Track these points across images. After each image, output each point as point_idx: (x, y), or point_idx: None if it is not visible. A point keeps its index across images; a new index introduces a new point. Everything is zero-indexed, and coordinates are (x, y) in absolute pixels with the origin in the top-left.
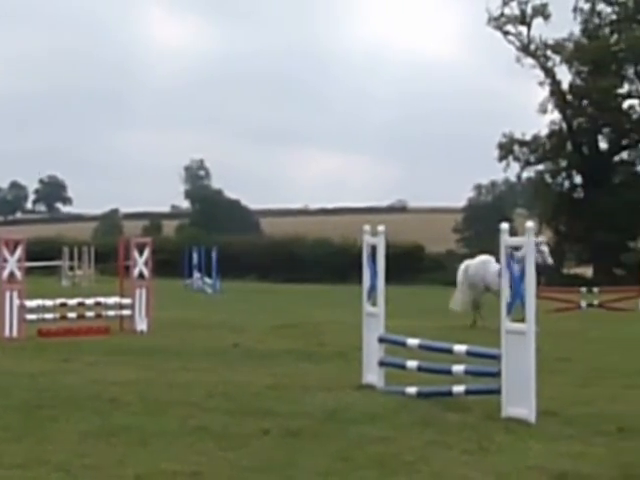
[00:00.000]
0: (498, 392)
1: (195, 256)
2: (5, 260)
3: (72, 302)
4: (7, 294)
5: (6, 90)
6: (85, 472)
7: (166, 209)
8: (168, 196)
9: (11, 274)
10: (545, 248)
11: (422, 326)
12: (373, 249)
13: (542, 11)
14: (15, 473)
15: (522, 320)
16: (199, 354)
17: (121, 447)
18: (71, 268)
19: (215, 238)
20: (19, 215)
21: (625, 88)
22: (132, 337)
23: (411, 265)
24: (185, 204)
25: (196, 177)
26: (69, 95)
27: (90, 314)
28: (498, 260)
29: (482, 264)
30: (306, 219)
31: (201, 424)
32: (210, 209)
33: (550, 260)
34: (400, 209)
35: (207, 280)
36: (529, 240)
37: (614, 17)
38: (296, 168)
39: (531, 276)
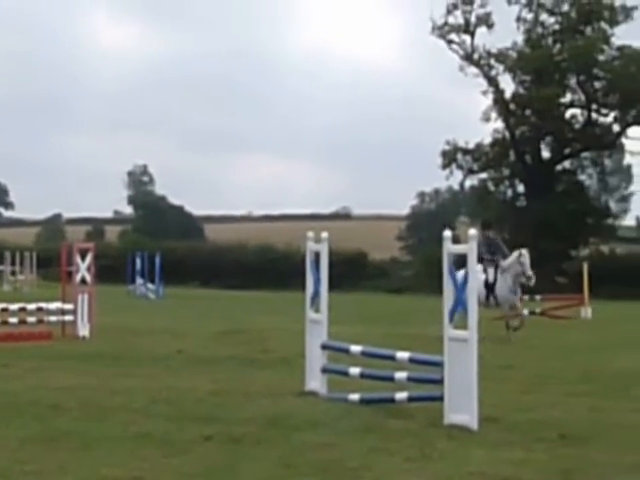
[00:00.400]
0: (441, 399)
1: (138, 262)
2: None
3: (13, 307)
4: None
5: None
6: (25, 478)
7: (109, 214)
8: (111, 201)
9: None
10: (526, 260)
11: (365, 333)
12: (316, 256)
13: (486, 20)
14: None
15: (465, 327)
16: (142, 360)
17: (62, 453)
18: (13, 273)
19: (158, 244)
20: None
21: (567, 97)
22: (74, 343)
23: (355, 272)
24: (128, 210)
25: (139, 183)
26: (11, 98)
27: (32, 319)
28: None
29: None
30: (250, 225)
31: (143, 430)
32: (153, 215)
33: (530, 272)
34: (344, 216)
35: (150, 286)
36: (472, 247)
37: (557, 27)
38: (240, 173)
39: (473, 283)
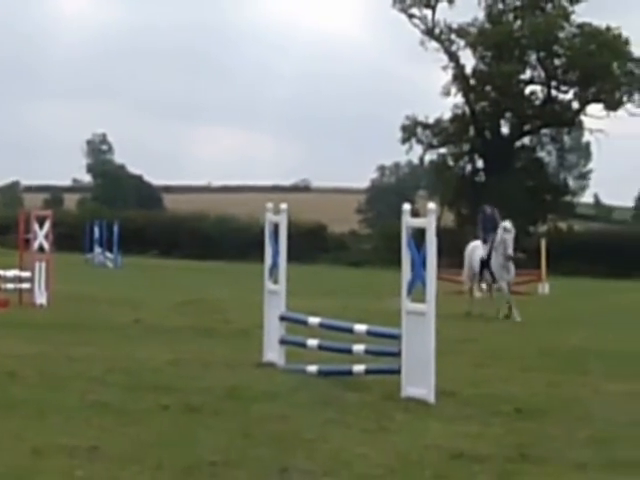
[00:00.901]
0: (398, 372)
1: (96, 230)
2: None
3: None
4: None
5: None
6: None
7: (67, 183)
8: (70, 170)
9: None
10: (508, 236)
11: (324, 306)
12: (275, 227)
13: None
14: None
15: (422, 300)
16: (100, 329)
17: (18, 421)
18: None
19: (117, 213)
20: None
21: (527, 74)
22: (31, 311)
23: (314, 244)
24: (87, 178)
25: (99, 151)
26: None
27: None
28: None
29: (471, 250)
30: (209, 196)
31: (100, 399)
32: (112, 184)
33: (509, 251)
34: (303, 188)
35: (108, 255)
36: (430, 221)
37: (518, 3)
38: (200, 144)
39: (432, 257)
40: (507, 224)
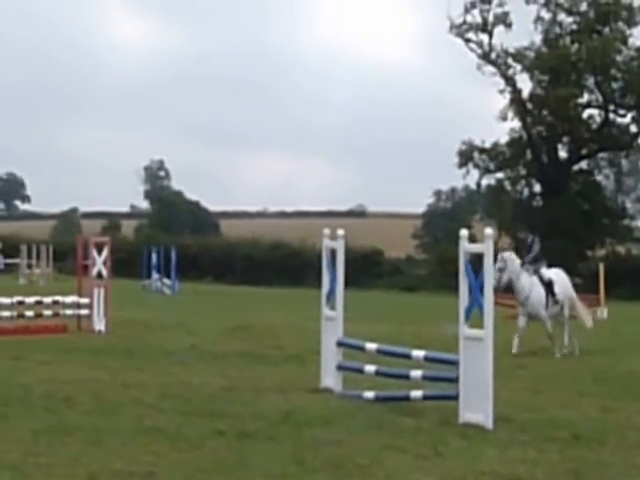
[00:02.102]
0: (455, 398)
1: (154, 256)
2: None
3: (30, 300)
4: None
5: None
6: (38, 471)
7: (125, 209)
8: (127, 196)
9: None
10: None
11: (380, 331)
12: (332, 253)
13: (504, 19)
14: None
15: (480, 326)
16: (155, 355)
17: (75, 446)
18: (29, 266)
19: (173, 239)
20: None
21: (585, 98)
22: (89, 337)
23: (370, 270)
24: (144, 204)
25: (156, 177)
26: (29, 93)
27: (48, 313)
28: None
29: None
30: (264, 221)
31: (155, 425)
32: (169, 210)
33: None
34: (359, 214)
35: (166, 281)
36: (488, 247)
37: (575, 27)
38: (256, 170)
39: (489, 283)
40: (504, 254)
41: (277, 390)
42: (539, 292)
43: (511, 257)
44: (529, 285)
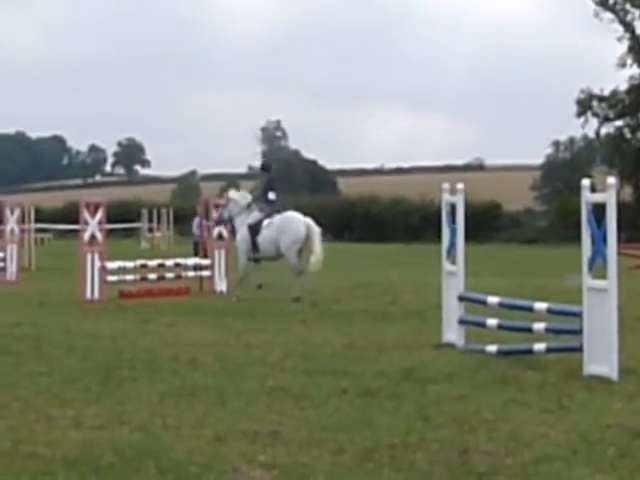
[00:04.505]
0: (579, 350)
1: None
2: (86, 223)
3: (152, 263)
4: (88, 256)
5: (84, 54)
6: (166, 432)
7: (243, 170)
8: (245, 157)
9: (92, 236)
10: None
11: (500, 284)
12: (452, 207)
13: None
14: (96, 434)
15: (604, 277)
16: (276, 314)
17: (200, 407)
18: (150, 230)
19: (291, 198)
20: (98, 178)
21: None
22: (211, 298)
23: (489, 223)
24: None
25: (273, 138)
26: (148, 58)
27: (170, 275)
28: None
29: None
30: (382, 178)
31: (279, 384)
32: (287, 170)
33: None
34: (477, 167)
35: None
36: (611, 196)
37: None
38: (372, 127)
39: (613, 233)
40: None
41: (399, 347)
42: None
43: None
44: None
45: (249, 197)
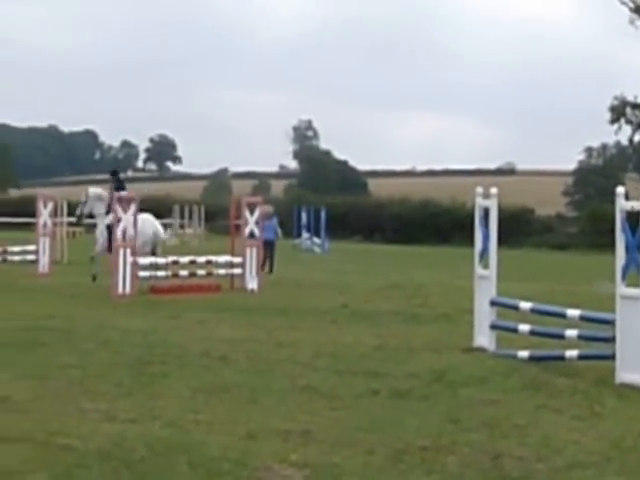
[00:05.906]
0: (612, 357)
1: (304, 216)
2: (120, 218)
3: (184, 260)
4: (121, 251)
5: (120, 54)
6: (197, 428)
7: (274, 169)
8: (276, 156)
9: (125, 232)
10: None
11: (532, 289)
12: (485, 211)
13: None
14: (127, 428)
15: (637, 285)
16: (307, 313)
17: (232, 404)
18: (181, 226)
19: (322, 198)
20: (130, 173)
21: None
22: (242, 295)
23: (520, 228)
24: (293, 164)
25: (304, 137)
26: (180, 55)
27: (201, 272)
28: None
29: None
30: (413, 180)
31: (310, 383)
32: (318, 169)
33: None
34: (508, 171)
35: (316, 240)
36: None
37: None
38: (404, 129)
39: None
40: None
41: (429, 349)
42: None
43: None
44: None
45: (106, 194)
